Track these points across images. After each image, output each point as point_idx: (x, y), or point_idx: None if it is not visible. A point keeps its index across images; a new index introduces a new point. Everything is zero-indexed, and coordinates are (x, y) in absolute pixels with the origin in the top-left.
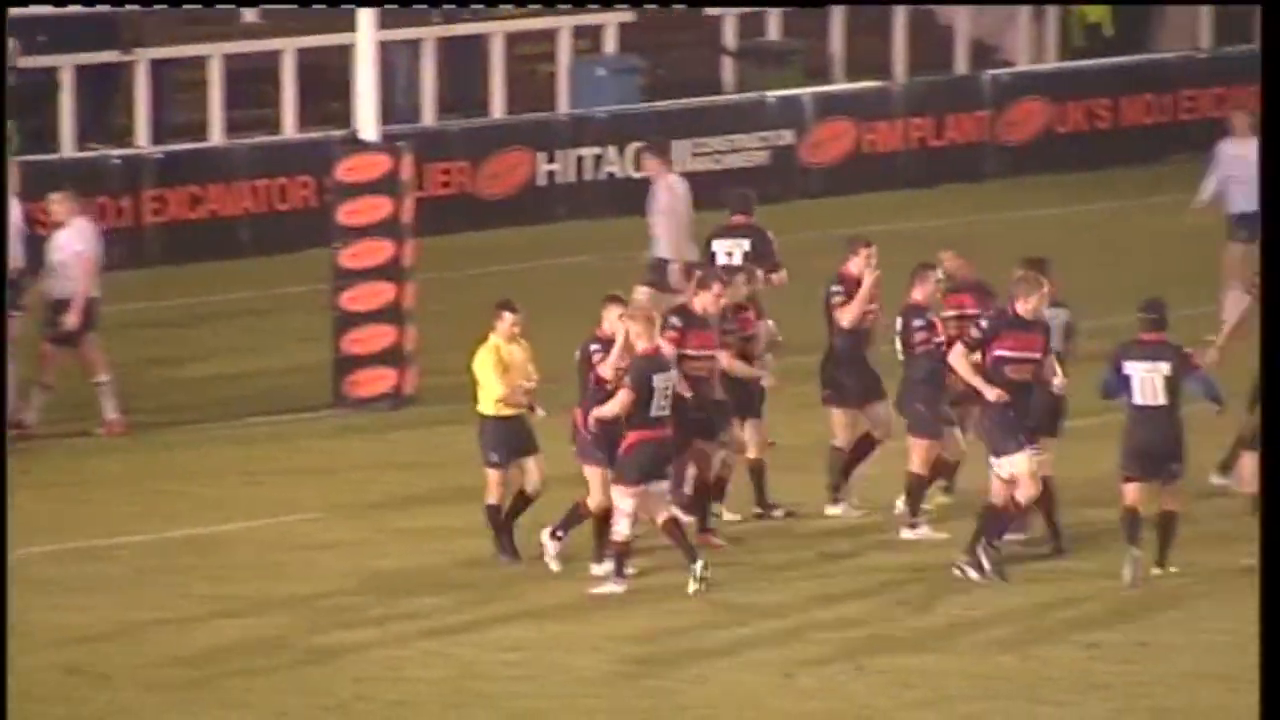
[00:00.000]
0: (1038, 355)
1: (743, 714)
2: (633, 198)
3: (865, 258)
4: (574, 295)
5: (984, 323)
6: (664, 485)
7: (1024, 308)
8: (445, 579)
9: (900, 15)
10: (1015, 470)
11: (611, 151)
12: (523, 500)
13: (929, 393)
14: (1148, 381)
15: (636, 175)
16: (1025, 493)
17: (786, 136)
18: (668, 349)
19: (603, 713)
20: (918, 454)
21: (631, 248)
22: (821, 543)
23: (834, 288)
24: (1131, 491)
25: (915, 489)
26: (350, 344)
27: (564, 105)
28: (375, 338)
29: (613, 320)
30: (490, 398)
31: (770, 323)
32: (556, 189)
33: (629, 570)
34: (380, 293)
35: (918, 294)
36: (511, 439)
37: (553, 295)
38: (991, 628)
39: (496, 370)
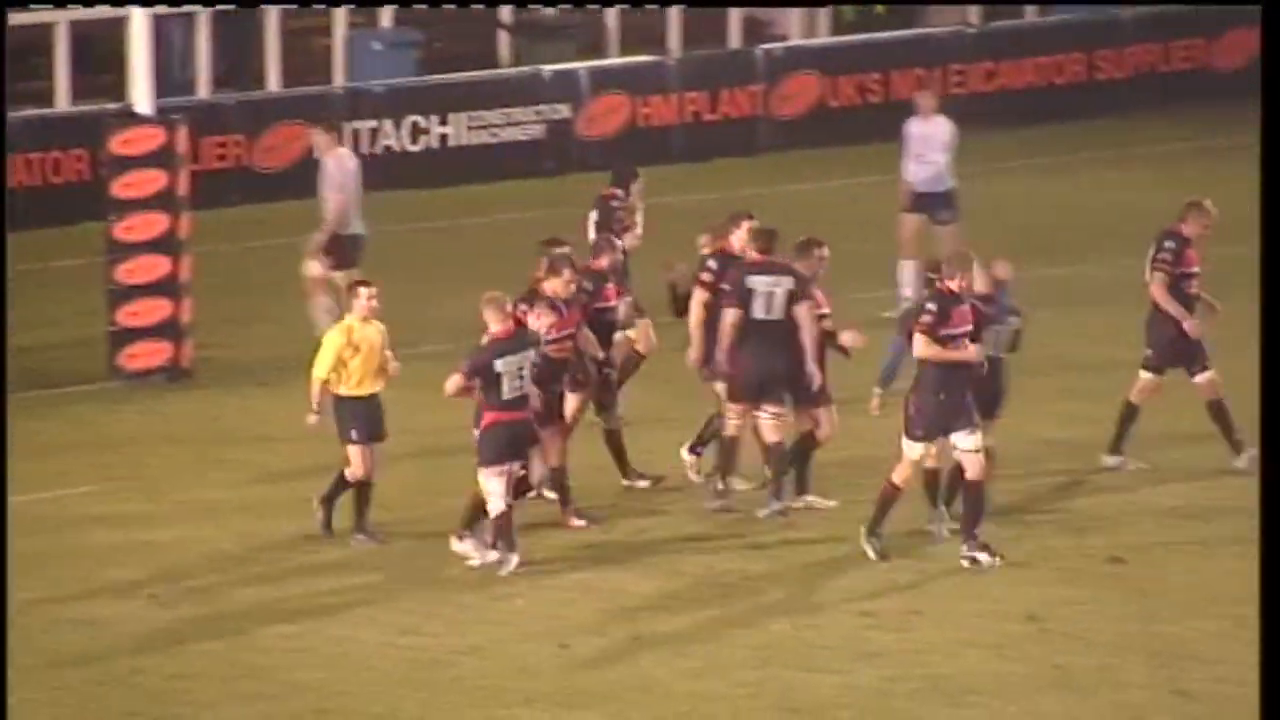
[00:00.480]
0: (970, 330)
1: (520, 684)
2: (410, 171)
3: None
4: None
5: (932, 305)
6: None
7: (958, 285)
8: (221, 552)
9: None
10: (909, 453)
11: (388, 125)
12: (359, 484)
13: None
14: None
15: (413, 148)
16: (972, 468)
17: (562, 110)
18: (536, 323)
19: (378, 684)
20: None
21: (407, 220)
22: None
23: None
24: (932, 451)
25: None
26: (126, 317)
27: (340, 79)
28: (151, 311)
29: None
30: (318, 374)
31: (630, 298)
32: None
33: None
34: (156, 266)
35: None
36: (368, 417)
37: None
38: (768, 596)
39: (344, 353)
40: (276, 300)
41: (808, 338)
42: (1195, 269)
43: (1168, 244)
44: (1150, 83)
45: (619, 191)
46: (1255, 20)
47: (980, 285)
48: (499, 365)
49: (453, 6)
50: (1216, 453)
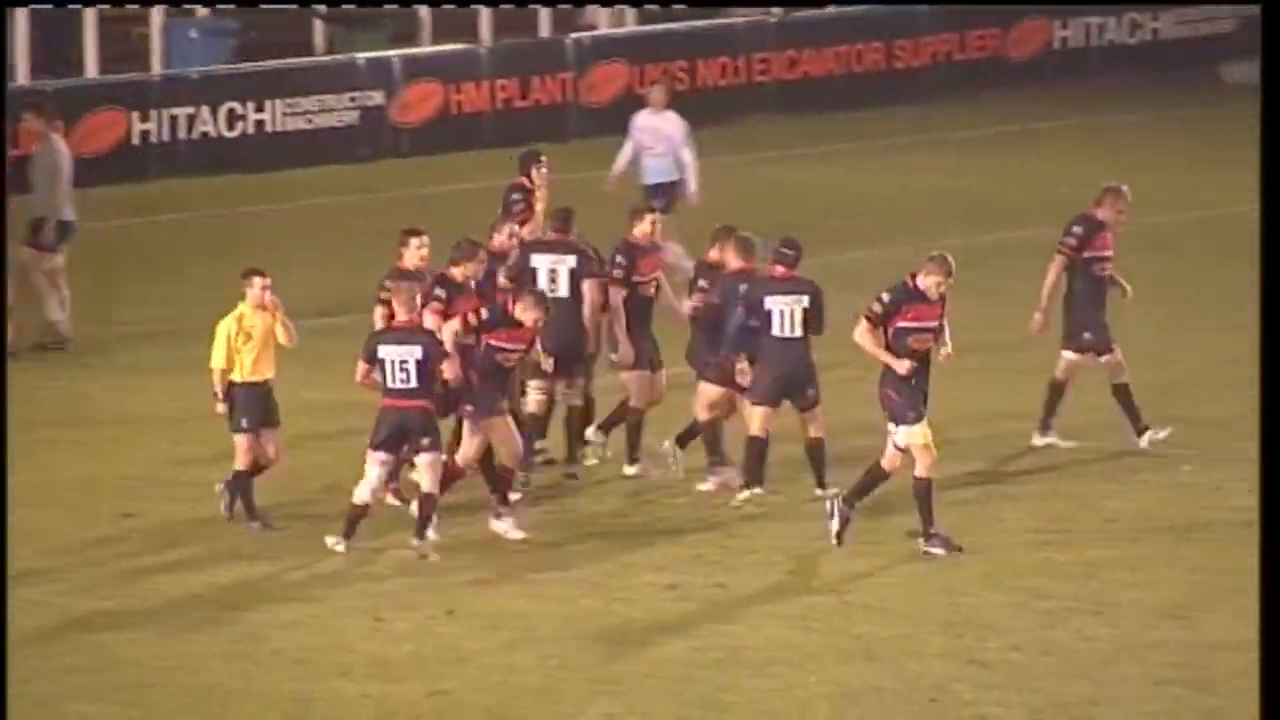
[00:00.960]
0: (936, 325)
1: (335, 658)
2: (226, 156)
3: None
4: (167, 252)
5: (886, 296)
6: (423, 458)
7: (924, 282)
8: (44, 531)
9: None
10: (911, 440)
11: (205, 111)
12: (256, 470)
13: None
14: (787, 314)
15: (230, 134)
16: (922, 462)
17: (376, 97)
18: (432, 321)
19: (197, 656)
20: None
21: (224, 205)
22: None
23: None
24: (766, 418)
25: (693, 434)
26: None
27: (157, 66)
28: None
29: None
30: (214, 363)
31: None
32: (150, 148)
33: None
34: None
35: (714, 253)
36: (258, 406)
37: (145, 253)
38: (578, 571)
39: (237, 340)
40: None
41: (587, 310)
42: (1108, 253)
43: (1076, 228)
44: (947, 71)
45: (525, 180)
46: (1047, 12)
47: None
48: (382, 352)
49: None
50: (1021, 430)
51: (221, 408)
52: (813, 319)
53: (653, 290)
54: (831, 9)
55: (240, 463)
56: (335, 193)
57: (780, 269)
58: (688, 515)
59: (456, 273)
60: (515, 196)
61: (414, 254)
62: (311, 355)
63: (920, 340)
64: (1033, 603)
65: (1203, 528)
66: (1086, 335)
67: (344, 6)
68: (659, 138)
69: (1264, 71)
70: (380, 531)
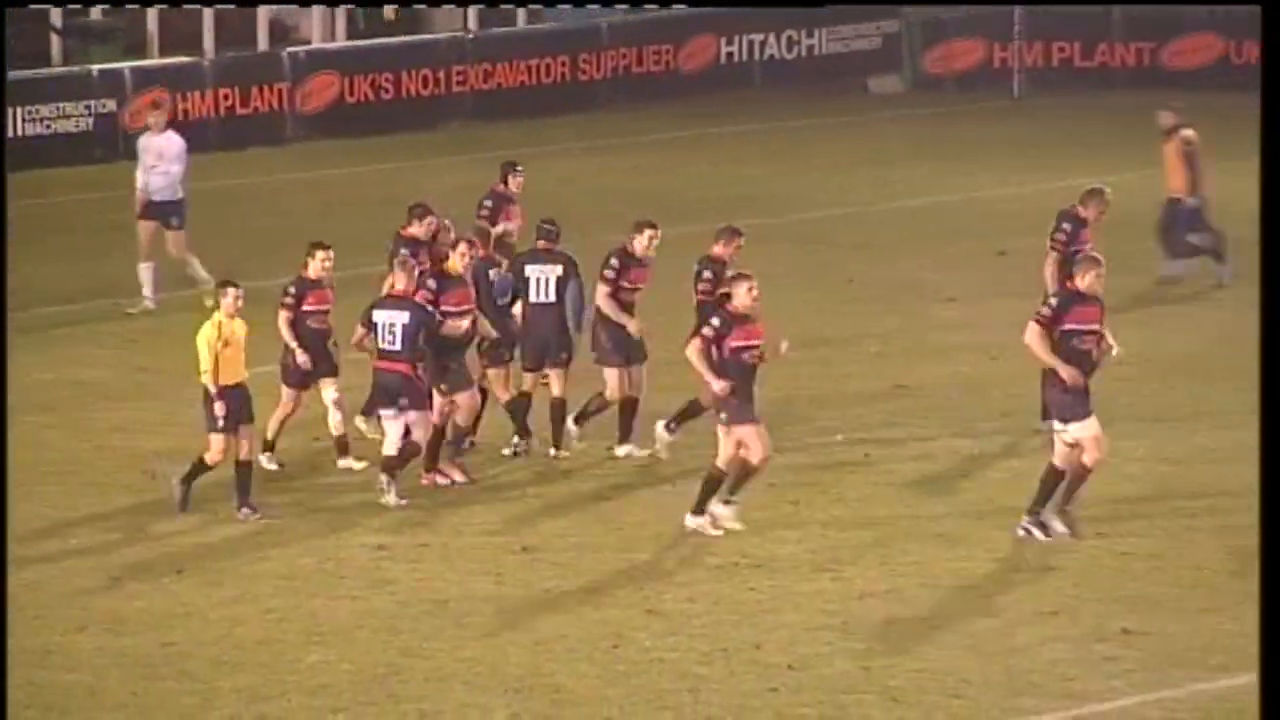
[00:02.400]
0: (1099, 326)
1: (73, 613)
2: None
3: (649, 238)
4: None
5: (1054, 300)
6: (390, 413)
7: (1083, 283)
8: None
9: None
10: (1083, 434)
11: None
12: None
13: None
14: (542, 282)
15: None
16: (1091, 455)
17: (109, 105)
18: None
19: None
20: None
21: None
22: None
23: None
24: (530, 380)
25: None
26: None
27: None
28: None
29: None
30: (204, 370)
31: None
32: None
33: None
34: None
35: (717, 248)
36: (239, 405)
37: None
38: (293, 533)
39: (216, 345)
40: None
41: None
42: (1089, 247)
43: (1065, 225)
44: (625, 83)
45: (501, 186)
46: (715, 28)
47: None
48: (375, 316)
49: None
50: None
51: (221, 408)
52: (563, 287)
53: (635, 296)
54: (521, 26)
55: (214, 459)
56: (72, 191)
57: (541, 243)
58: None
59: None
60: (486, 201)
61: (318, 265)
62: (47, 339)
63: (1085, 341)
64: (704, 558)
65: (854, 488)
66: None
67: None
68: (161, 157)
69: (1264, 71)
70: (115, 507)
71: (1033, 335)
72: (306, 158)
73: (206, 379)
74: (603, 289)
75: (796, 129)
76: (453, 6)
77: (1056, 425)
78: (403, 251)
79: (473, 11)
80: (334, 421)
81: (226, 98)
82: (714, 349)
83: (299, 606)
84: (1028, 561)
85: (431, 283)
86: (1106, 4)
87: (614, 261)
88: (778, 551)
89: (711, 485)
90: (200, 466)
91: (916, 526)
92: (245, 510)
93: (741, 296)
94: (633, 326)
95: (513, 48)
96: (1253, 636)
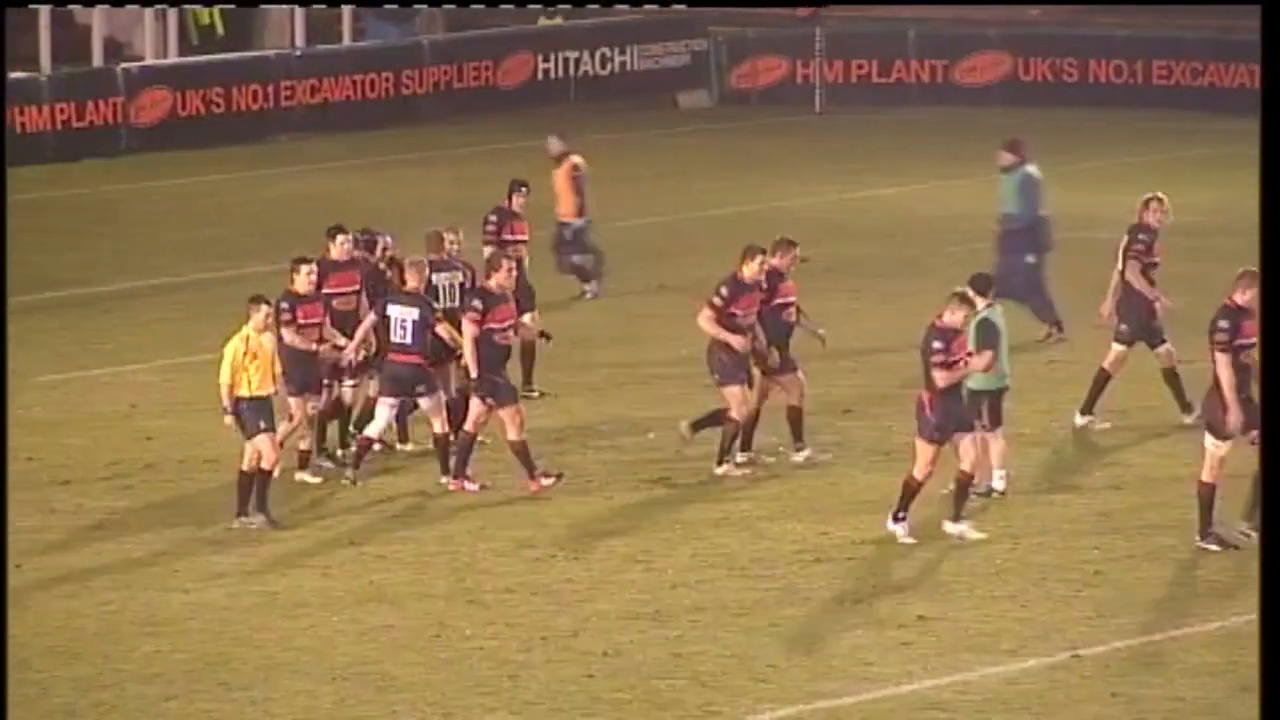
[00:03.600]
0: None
1: None
2: None
3: (760, 264)
4: None
5: (1224, 323)
6: (423, 403)
7: (1243, 298)
8: None
9: (44, 15)
10: (1215, 451)
11: None
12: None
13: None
14: (445, 289)
15: None
16: (1209, 469)
17: None
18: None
19: None
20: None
21: None
22: None
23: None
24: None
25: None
26: None
27: None
28: None
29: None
30: (222, 382)
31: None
32: None
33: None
34: None
35: (774, 260)
36: (266, 415)
37: None
38: (130, 530)
39: (244, 360)
40: None
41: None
42: (1156, 259)
43: (1142, 236)
44: (447, 98)
45: (506, 203)
46: (532, 45)
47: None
48: (390, 310)
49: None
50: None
51: (230, 419)
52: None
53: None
54: (347, 43)
55: (269, 460)
56: None
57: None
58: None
59: (492, 283)
60: (492, 218)
61: (339, 248)
62: None
63: (1250, 355)
64: (522, 551)
65: (668, 486)
66: (1141, 329)
67: None
68: None
69: (1264, 71)
70: None
71: (1222, 364)
72: (140, 169)
73: (224, 389)
74: (707, 313)
75: (609, 142)
76: (283, 18)
77: (1208, 442)
78: (473, 302)
79: (300, 28)
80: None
81: (63, 111)
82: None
83: (134, 599)
84: (830, 553)
85: (477, 302)
86: None
87: (724, 290)
88: (593, 544)
89: (908, 492)
90: (261, 480)
91: (726, 519)
92: (241, 519)
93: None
94: (737, 342)
95: (339, 64)
96: (1038, 623)
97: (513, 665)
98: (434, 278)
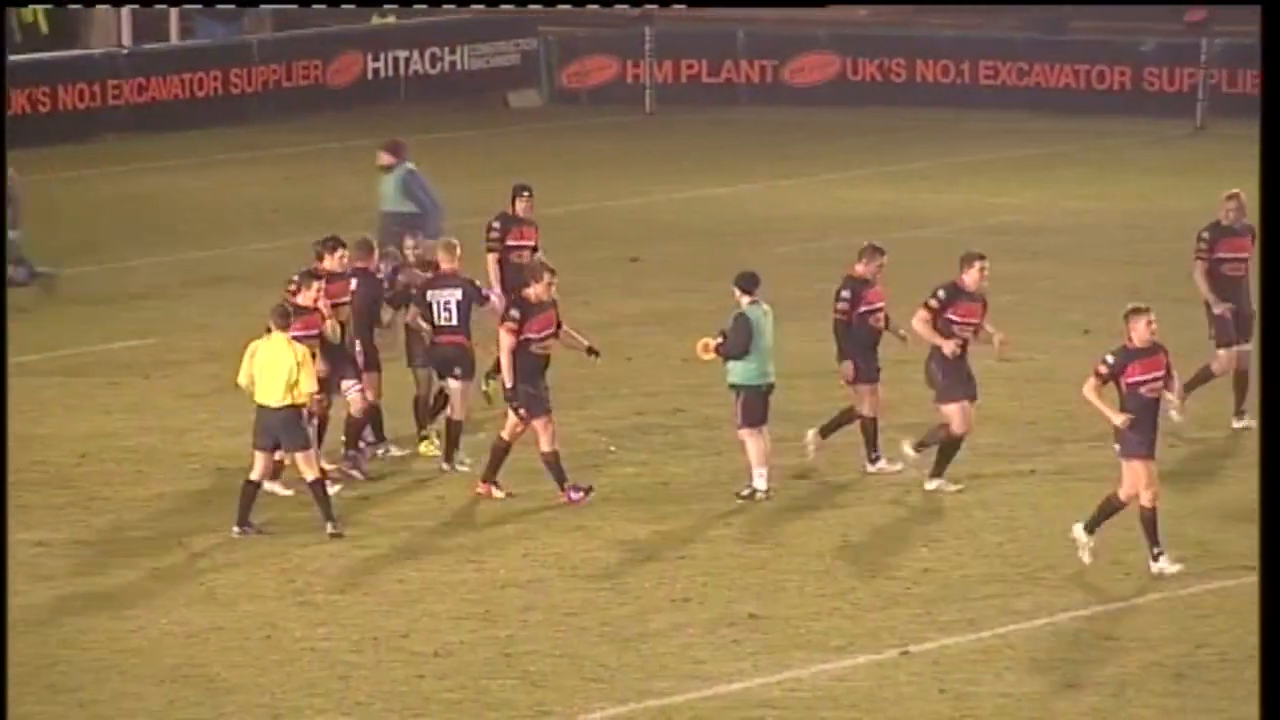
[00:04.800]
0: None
1: None
2: None
3: (980, 270)
4: None
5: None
6: (454, 385)
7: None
8: None
9: None
10: None
11: None
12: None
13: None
14: (441, 304)
15: None
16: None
17: None
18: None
19: None
20: (867, 399)
21: None
22: None
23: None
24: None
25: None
26: None
27: None
28: None
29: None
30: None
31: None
32: None
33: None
34: None
35: (860, 268)
36: (266, 428)
37: None
38: None
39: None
40: None
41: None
42: (1237, 254)
43: (1204, 234)
44: (276, 97)
45: (509, 208)
46: (362, 44)
47: None
48: (429, 296)
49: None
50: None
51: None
52: (463, 310)
53: (968, 332)
54: (174, 42)
55: (255, 474)
56: None
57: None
58: (59, 486)
59: (531, 293)
60: (495, 223)
61: (336, 260)
62: None
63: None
64: (353, 552)
65: (514, 475)
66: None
67: None
68: None
69: (1264, 71)
70: None
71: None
72: None
73: (309, 399)
74: (921, 314)
75: (439, 141)
76: (109, 16)
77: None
78: (511, 312)
79: (127, 26)
80: None
81: None
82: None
83: None
84: (661, 552)
85: (515, 311)
86: None
87: (940, 293)
88: (424, 544)
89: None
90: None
91: (557, 519)
92: (239, 528)
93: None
94: (948, 348)
95: (167, 62)
96: (867, 620)
97: (343, 666)
98: (429, 294)
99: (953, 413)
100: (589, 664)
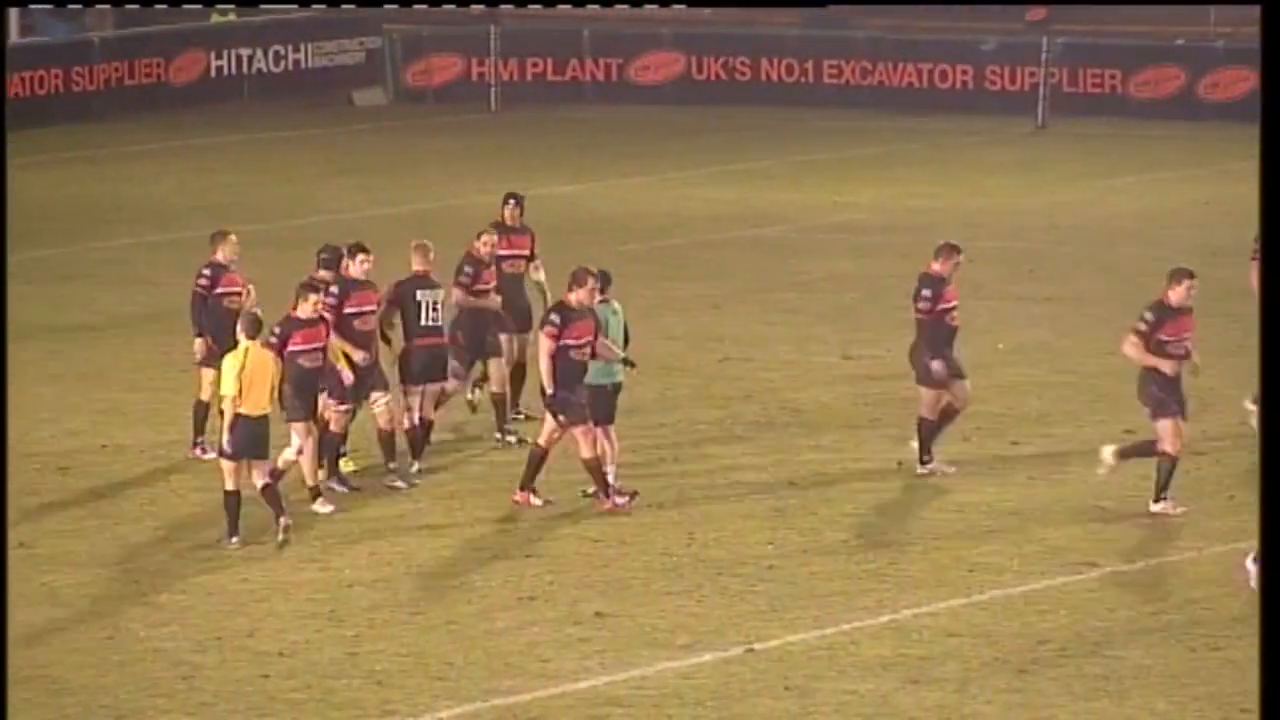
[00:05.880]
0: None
1: None
2: None
3: (1187, 289)
4: None
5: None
6: (437, 386)
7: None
8: None
9: None
10: None
11: None
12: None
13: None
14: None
15: None
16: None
17: None
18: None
19: None
20: (926, 401)
21: None
22: None
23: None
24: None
25: (926, 431)
26: None
27: None
28: None
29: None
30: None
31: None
32: None
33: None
34: None
35: (937, 266)
36: (250, 438)
37: None
38: None
39: (240, 374)
40: None
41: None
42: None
43: (1257, 243)
44: (119, 95)
45: (501, 218)
46: (204, 42)
47: None
48: (419, 295)
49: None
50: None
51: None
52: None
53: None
54: (15, 40)
55: (228, 484)
56: None
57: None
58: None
59: (572, 299)
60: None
61: (359, 266)
62: None
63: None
64: (197, 552)
65: (342, 484)
66: None
67: None
68: None
69: (1264, 71)
70: None
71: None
72: None
73: (227, 405)
74: (1132, 339)
75: (284, 139)
76: None
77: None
78: (551, 316)
79: None
80: (288, 457)
81: None
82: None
83: None
84: (508, 551)
85: (555, 316)
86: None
87: (1148, 315)
88: (269, 544)
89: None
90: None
91: (404, 519)
92: (234, 539)
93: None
94: (1169, 367)
95: (8, 60)
96: (713, 618)
97: (187, 666)
98: (417, 294)
99: (1165, 429)
100: (435, 663)
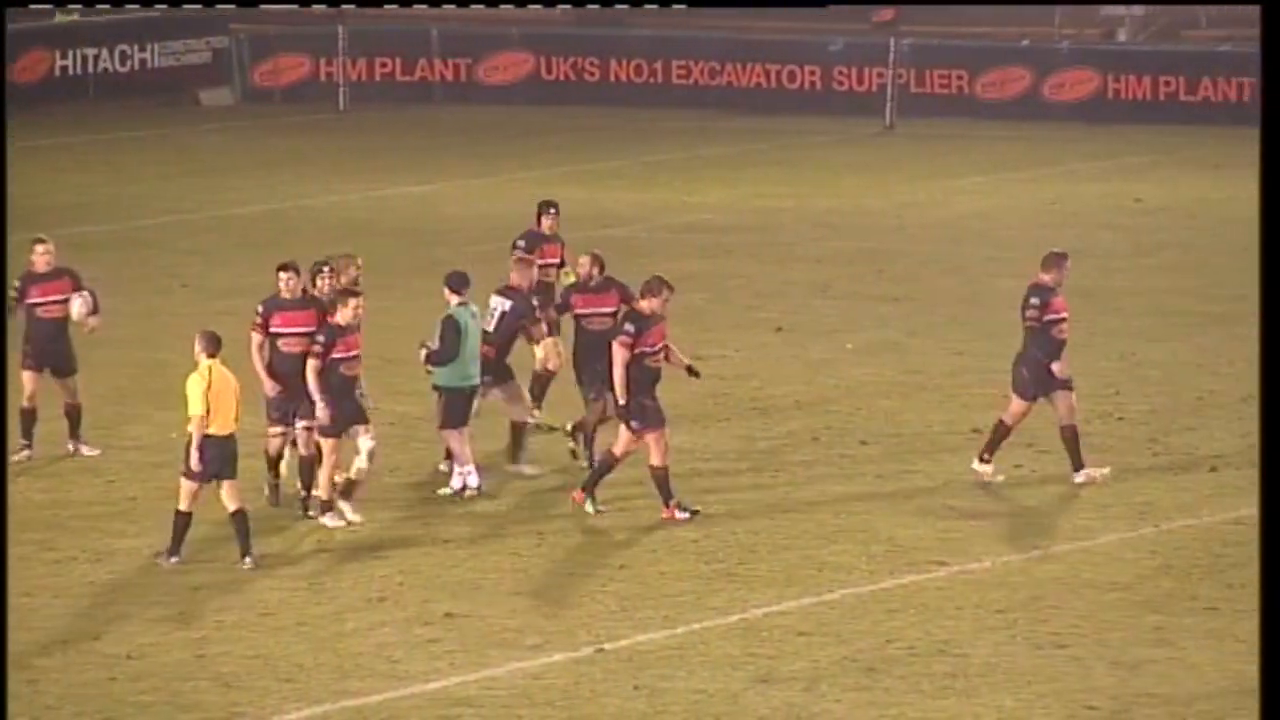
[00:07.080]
0: None
1: None
2: None
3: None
4: None
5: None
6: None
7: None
8: None
9: None
10: None
11: None
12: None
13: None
14: None
15: None
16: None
17: None
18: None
19: None
20: (1014, 409)
21: None
22: None
23: (1033, 299)
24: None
25: (999, 435)
26: None
27: None
28: None
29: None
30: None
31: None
32: None
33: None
34: None
35: (1045, 276)
36: (220, 457)
37: None
38: None
39: (207, 393)
40: None
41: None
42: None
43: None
44: None
45: (535, 224)
46: (49, 41)
47: None
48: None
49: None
50: None
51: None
52: (507, 320)
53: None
54: None
55: (183, 504)
56: None
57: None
58: None
59: (644, 306)
60: (520, 242)
61: (350, 311)
62: None
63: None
64: (43, 554)
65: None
66: None
67: None
68: None
69: (1264, 71)
70: None
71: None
72: None
73: (194, 425)
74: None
75: (129, 139)
76: None
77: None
78: (626, 325)
79: None
80: (360, 466)
81: None
82: None
83: None
84: (358, 552)
85: (629, 325)
86: None
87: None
88: (115, 545)
89: None
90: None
91: (258, 525)
92: (248, 560)
93: None
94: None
95: None
96: (563, 618)
97: (32, 670)
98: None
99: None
100: (284, 664)
